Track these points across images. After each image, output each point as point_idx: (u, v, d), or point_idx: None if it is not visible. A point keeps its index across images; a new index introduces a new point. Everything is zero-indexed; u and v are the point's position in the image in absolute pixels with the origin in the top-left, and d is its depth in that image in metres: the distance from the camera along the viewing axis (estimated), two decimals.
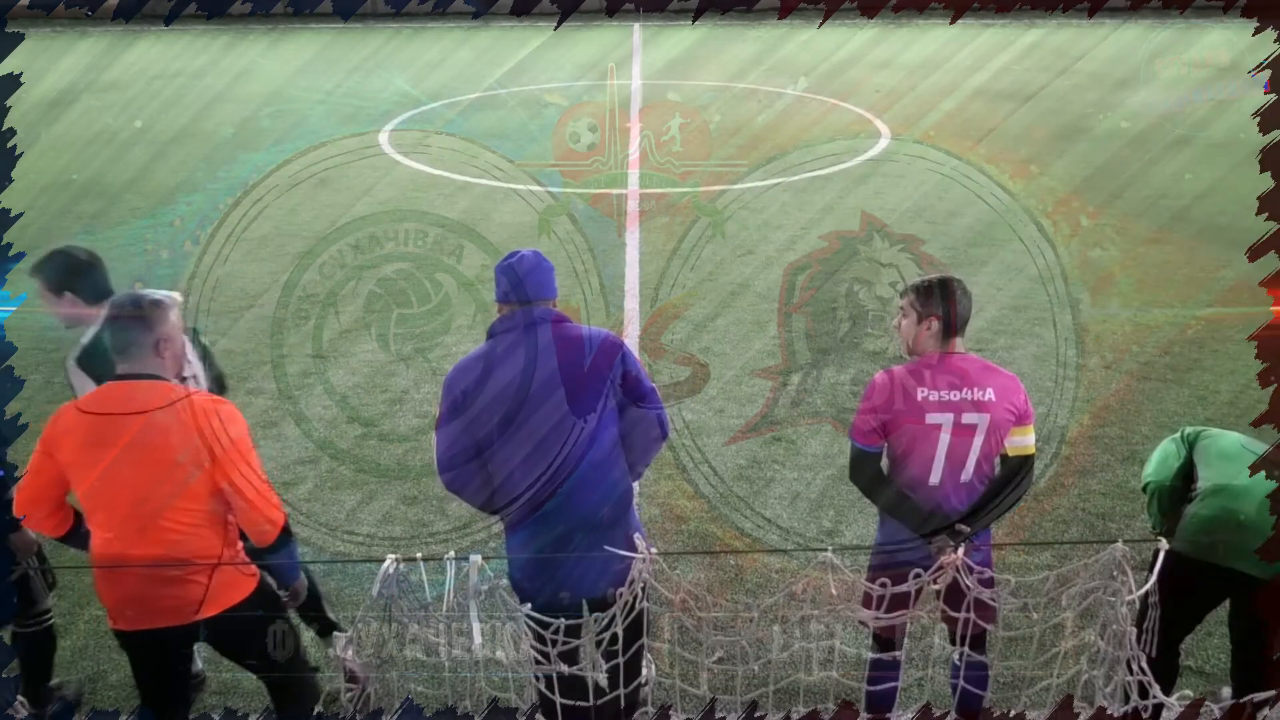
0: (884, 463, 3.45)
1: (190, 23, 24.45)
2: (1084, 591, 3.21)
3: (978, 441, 3.29)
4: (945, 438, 3.27)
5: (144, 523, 3.09)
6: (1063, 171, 11.25)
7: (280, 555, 3.30)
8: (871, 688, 3.53)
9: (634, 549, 3.28)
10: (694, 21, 21.65)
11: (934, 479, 3.33)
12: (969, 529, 3.30)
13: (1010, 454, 3.38)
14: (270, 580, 3.40)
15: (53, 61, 19.35)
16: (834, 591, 3.08)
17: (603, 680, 3.13)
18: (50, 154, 12.51)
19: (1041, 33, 22.39)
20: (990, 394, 3.28)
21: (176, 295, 3.26)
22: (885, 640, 3.47)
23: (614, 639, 3.13)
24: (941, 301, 3.32)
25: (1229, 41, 20.01)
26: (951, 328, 3.33)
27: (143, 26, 24.15)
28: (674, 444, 5.94)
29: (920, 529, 3.33)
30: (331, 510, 5.34)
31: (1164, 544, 3.14)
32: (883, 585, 3.21)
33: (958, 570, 3.09)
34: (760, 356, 7.03)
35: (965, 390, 3.28)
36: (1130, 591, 3.05)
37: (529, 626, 3.10)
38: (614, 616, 3.10)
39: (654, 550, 3.06)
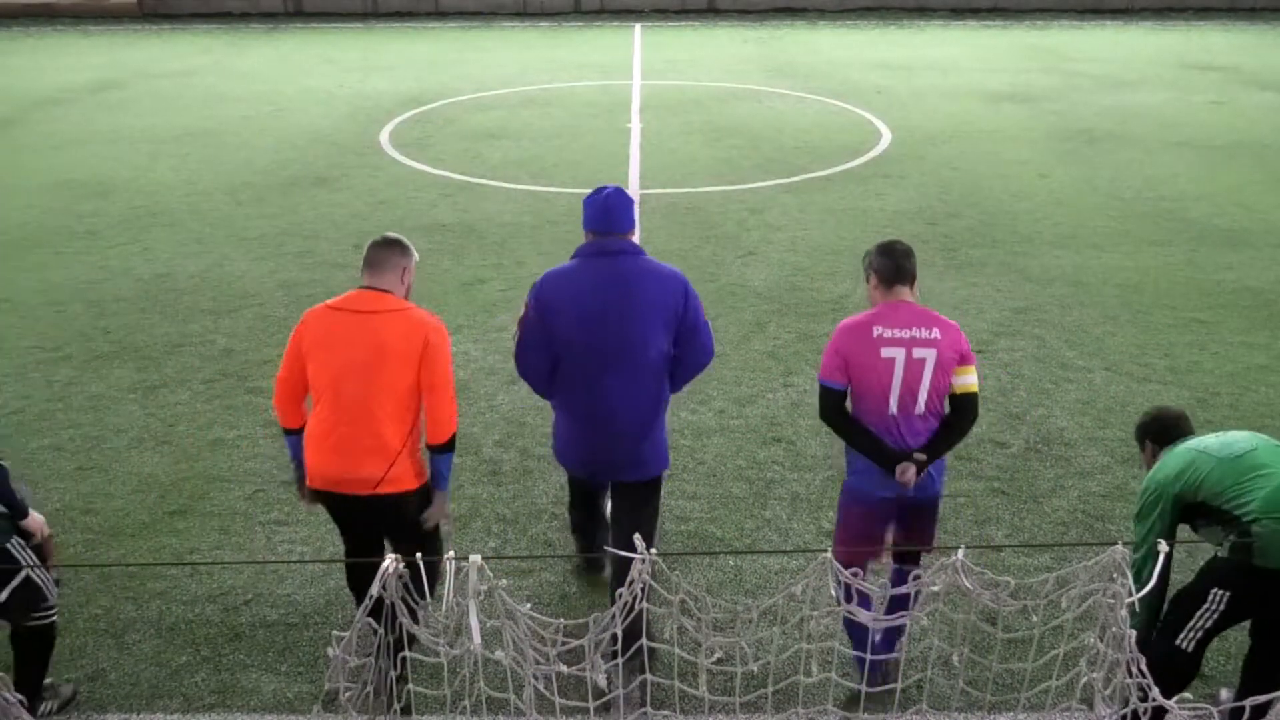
0: (849, 405, 3.91)
1: (190, 20, 24.45)
2: (1083, 594, 3.21)
3: (927, 374, 3.75)
4: (899, 370, 3.74)
5: (356, 404, 3.73)
6: (1063, 173, 11.25)
7: (443, 457, 3.91)
8: (849, 622, 3.80)
9: (662, 453, 4.16)
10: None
11: (891, 408, 3.78)
12: (925, 457, 3.75)
13: (957, 392, 3.86)
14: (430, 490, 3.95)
15: (52, 60, 19.35)
16: (834, 593, 3.09)
17: (602, 681, 3.14)
18: (49, 153, 12.51)
19: (1042, 33, 22.39)
20: (936, 333, 3.78)
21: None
22: (851, 562, 3.69)
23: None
24: (888, 259, 3.90)
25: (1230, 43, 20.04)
26: (895, 280, 3.88)
27: (143, 25, 24.14)
28: (673, 444, 5.95)
29: (881, 459, 3.77)
30: None
31: (1163, 546, 3.15)
32: (882, 587, 3.21)
33: (957, 572, 3.10)
34: (760, 357, 7.03)
35: (915, 329, 3.78)
36: (1130, 594, 3.05)
37: (529, 626, 3.10)
38: (614, 616, 3.10)
39: (653, 551, 3.06)
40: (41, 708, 3.89)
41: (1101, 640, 3.19)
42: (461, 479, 5.61)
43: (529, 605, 3.11)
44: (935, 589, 3.14)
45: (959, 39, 21.78)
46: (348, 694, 3.14)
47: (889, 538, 4.02)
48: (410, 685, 3.35)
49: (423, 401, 3.81)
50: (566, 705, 3.43)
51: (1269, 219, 9.77)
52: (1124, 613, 3.07)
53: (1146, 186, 10.76)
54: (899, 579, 3.84)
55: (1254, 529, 3.46)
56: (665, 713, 3.64)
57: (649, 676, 3.50)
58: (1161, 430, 3.93)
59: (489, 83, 16.77)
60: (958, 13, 25.58)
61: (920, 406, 3.80)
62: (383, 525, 4.00)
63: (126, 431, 6.09)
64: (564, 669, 3.14)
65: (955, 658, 3.38)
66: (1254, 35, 22.22)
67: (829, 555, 3.08)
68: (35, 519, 3.87)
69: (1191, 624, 3.57)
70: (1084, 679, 3.31)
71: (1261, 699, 2.82)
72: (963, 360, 3.84)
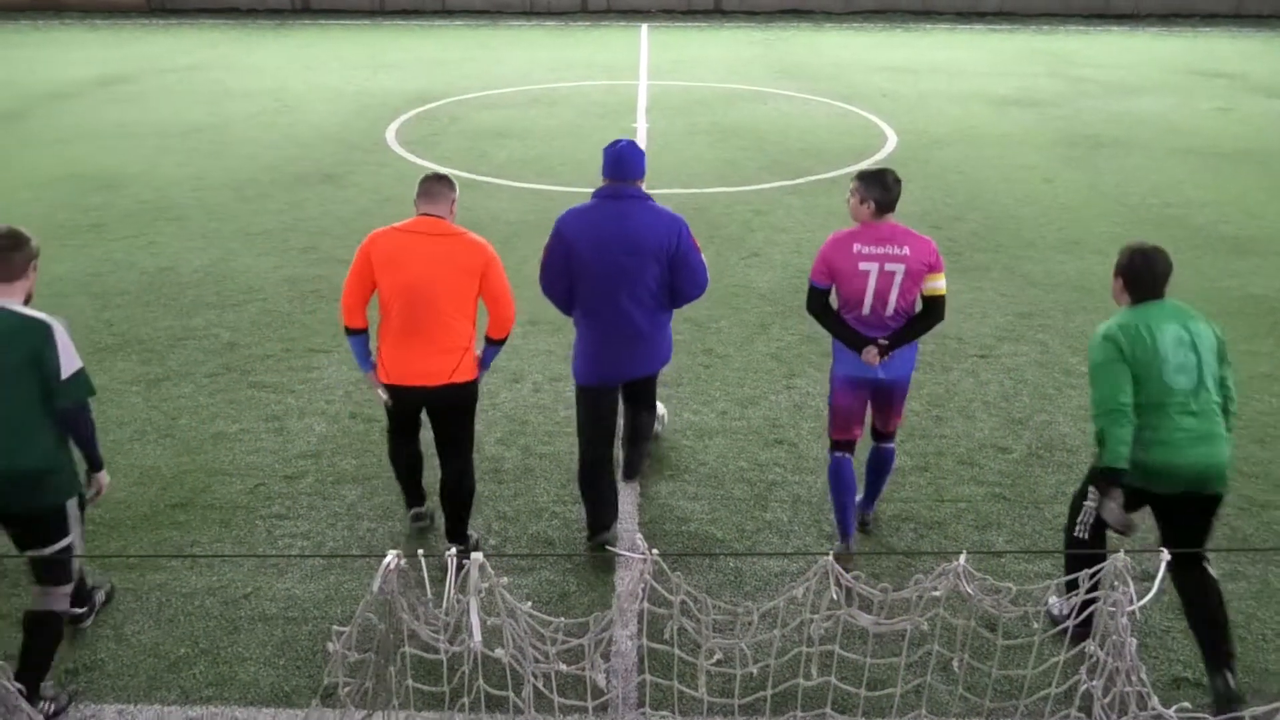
0: (834, 301, 4.70)
1: (198, 16, 24.48)
2: (1085, 601, 3.21)
3: (896, 283, 4.50)
4: (872, 281, 4.51)
5: (428, 311, 4.45)
6: (1068, 178, 11.24)
7: (498, 347, 4.77)
8: (831, 479, 4.84)
9: (668, 348, 4.99)
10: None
11: (865, 310, 4.58)
12: (886, 342, 4.53)
13: (926, 294, 4.58)
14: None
15: (60, 54, 19.38)
16: (835, 596, 3.08)
17: (601, 680, 3.14)
18: (56, 146, 12.52)
19: (1048, 38, 22.37)
20: (906, 250, 4.49)
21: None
22: (841, 442, 4.81)
23: None
24: (878, 188, 4.52)
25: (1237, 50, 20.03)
26: (887, 209, 4.54)
27: (150, 20, 24.17)
28: (674, 445, 5.94)
29: (852, 344, 4.59)
30: (333, 504, 5.34)
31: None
32: (883, 591, 3.22)
33: (958, 578, 3.10)
34: (763, 358, 7.03)
35: (888, 247, 4.48)
36: (1131, 602, 3.05)
37: (529, 624, 3.10)
38: (610, 621, 3.10)
39: (654, 552, 3.06)
40: (40, 706, 3.81)
41: (1101, 648, 3.19)
42: None
43: (529, 603, 3.11)
44: (936, 594, 3.14)
45: (965, 42, 21.78)
46: (346, 689, 3.15)
47: (868, 414, 4.87)
48: (409, 681, 3.35)
49: (487, 307, 4.63)
50: (565, 704, 3.43)
51: (1275, 226, 9.76)
52: (1125, 620, 3.07)
53: (1152, 193, 10.74)
54: (877, 456, 4.98)
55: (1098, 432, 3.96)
56: (664, 713, 3.65)
57: (648, 677, 3.50)
58: (1136, 282, 4.12)
59: (495, 81, 16.79)
60: (964, 16, 25.57)
61: (890, 309, 4.56)
62: (446, 408, 4.68)
63: (129, 424, 6.09)
64: (563, 668, 3.14)
65: (955, 663, 3.38)
66: (1261, 42, 22.19)
67: (830, 559, 3.09)
68: (104, 476, 4.07)
69: (1080, 517, 4.08)
70: (1083, 686, 3.31)
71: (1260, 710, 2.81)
72: (932, 269, 4.55)
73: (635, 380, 5.07)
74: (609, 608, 3.34)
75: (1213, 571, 3.99)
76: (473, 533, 4.99)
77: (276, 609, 4.55)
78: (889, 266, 4.48)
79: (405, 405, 4.71)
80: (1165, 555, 3.13)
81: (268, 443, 5.92)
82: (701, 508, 5.36)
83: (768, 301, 7.97)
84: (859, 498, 5.03)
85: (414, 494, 5.08)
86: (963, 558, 3.08)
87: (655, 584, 3.08)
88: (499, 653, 3.05)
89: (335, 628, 3.09)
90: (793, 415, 6.27)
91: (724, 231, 9.54)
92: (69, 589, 3.94)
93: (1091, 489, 4.03)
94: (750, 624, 3.17)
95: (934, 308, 4.61)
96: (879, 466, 5.02)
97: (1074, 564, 3.97)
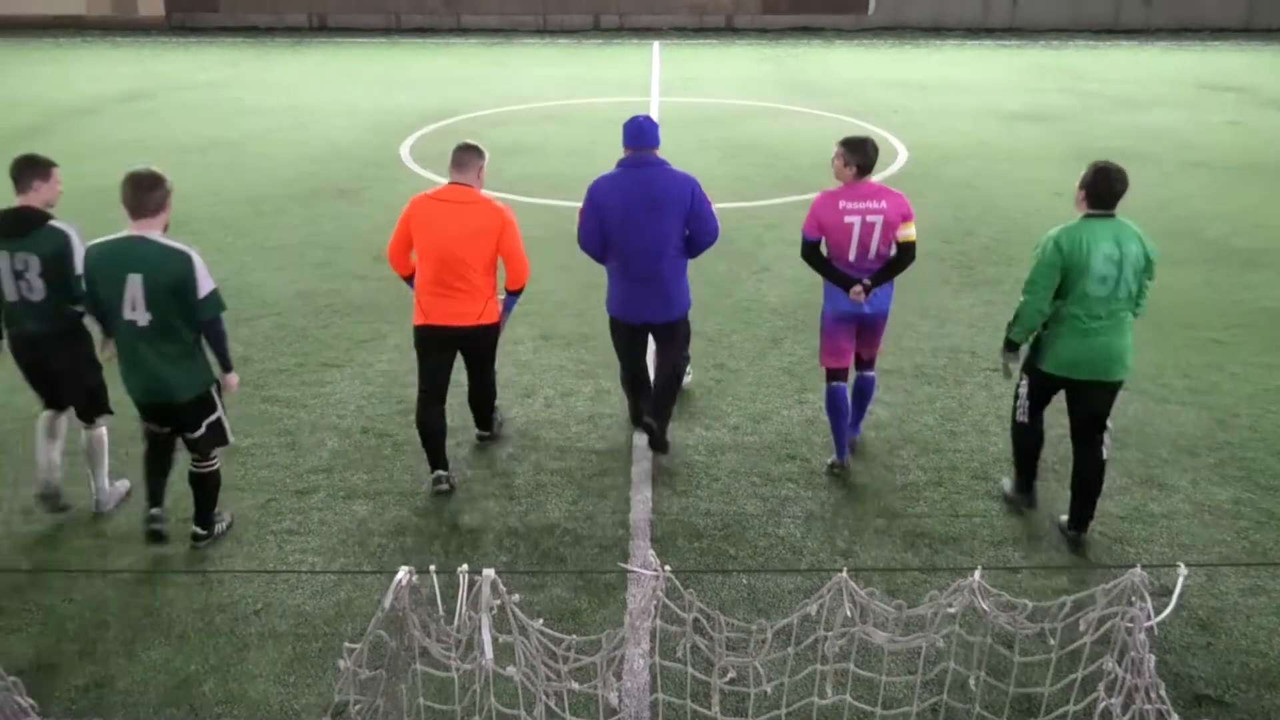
0: (824, 250, 5.51)
1: (217, 34, 24.71)
2: (1101, 617, 3.17)
3: (876, 233, 5.32)
4: (856, 231, 5.32)
5: (454, 264, 5.26)
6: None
7: (515, 299, 5.63)
8: (829, 406, 5.70)
9: (685, 298, 5.77)
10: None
11: (851, 257, 5.40)
12: (869, 282, 5.38)
13: (900, 240, 5.37)
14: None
15: (81, 70, 19.59)
16: (849, 613, 3.06)
17: (614, 699, 3.11)
18: (76, 161, 12.62)
19: (1058, 53, 22.36)
20: (884, 204, 5.32)
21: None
22: (834, 371, 5.65)
23: None
24: (860, 154, 5.35)
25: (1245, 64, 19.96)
26: (863, 170, 5.36)
27: (171, 38, 24.41)
28: (687, 460, 5.92)
29: (841, 284, 5.42)
30: (344, 520, 5.34)
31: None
32: (898, 608, 3.19)
33: (974, 594, 3.06)
34: (775, 373, 7.01)
35: (868, 202, 5.32)
36: (1149, 618, 3.01)
37: (541, 642, 3.08)
38: (622, 639, 3.08)
39: (667, 568, 3.04)
40: (217, 528, 5.10)
41: (1120, 665, 3.15)
42: (473, 491, 5.60)
43: (541, 621, 3.09)
44: (952, 611, 3.11)
45: (975, 58, 21.79)
46: (357, 706, 3.13)
47: (854, 345, 5.67)
48: (421, 699, 3.33)
49: (504, 263, 5.43)
50: None
51: None
52: (1143, 637, 3.03)
53: (1163, 206, 10.70)
54: (861, 383, 5.83)
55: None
56: None
57: (661, 696, 3.48)
58: (1094, 195, 4.91)
59: (509, 98, 16.87)
60: (973, 32, 25.60)
61: (872, 254, 5.38)
62: (471, 346, 5.55)
63: (137, 439, 6.09)
64: (576, 686, 3.12)
65: (971, 681, 3.35)
66: (1270, 56, 22.13)
67: (844, 575, 3.06)
68: (233, 376, 4.99)
69: (1018, 402, 5.22)
70: (1102, 704, 3.26)
71: None
72: (904, 219, 5.35)
73: (658, 326, 5.80)
74: (621, 625, 3.32)
75: (1105, 453, 5.01)
76: (497, 417, 6.07)
77: (287, 625, 4.54)
78: (869, 219, 5.31)
79: (438, 343, 5.48)
80: (1183, 570, 3.10)
81: (280, 458, 5.93)
82: (714, 523, 5.33)
83: (779, 316, 7.96)
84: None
85: (438, 458, 5.60)
86: (978, 573, 3.05)
87: (668, 601, 3.06)
88: (510, 671, 3.03)
89: (346, 645, 3.08)
90: (805, 430, 6.24)
91: (736, 247, 9.54)
92: (220, 458, 5.02)
93: (1021, 376, 5.17)
94: (764, 641, 3.14)
95: (906, 251, 5.40)
96: (863, 392, 5.88)
97: (1016, 444, 5.35)
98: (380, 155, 13.00)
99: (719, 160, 12.74)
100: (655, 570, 3.05)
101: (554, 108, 16.14)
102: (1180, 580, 3.06)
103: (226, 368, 4.88)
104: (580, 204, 5.70)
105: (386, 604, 2.96)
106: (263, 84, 18.27)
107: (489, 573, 2.95)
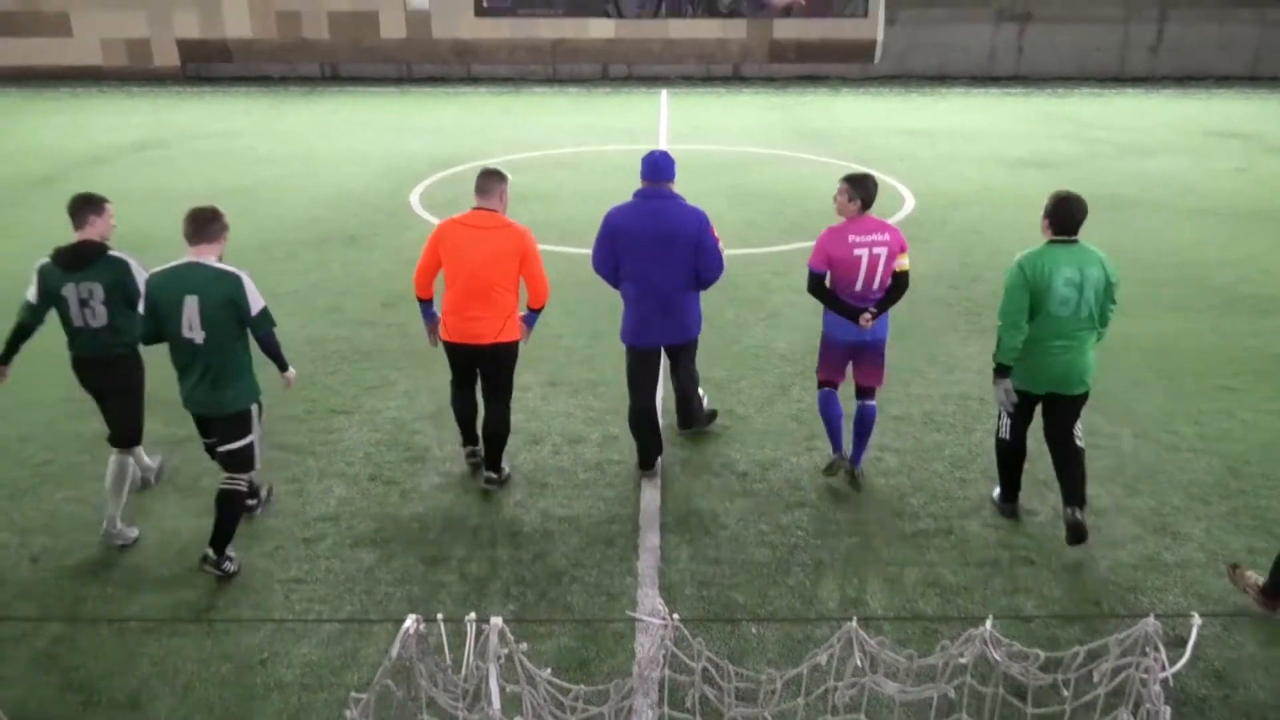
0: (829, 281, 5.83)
1: (231, 84, 25.11)
2: (1115, 667, 3.13)
3: (881, 263, 5.69)
4: (864, 263, 5.68)
5: (480, 285, 5.70)
6: (1086, 238, 11.22)
7: (536, 315, 6.00)
8: (822, 408, 6.16)
9: (697, 321, 6.12)
10: None
11: (858, 287, 5.75)
12: (875, 310, 5.75)
13: (897, 271, 5.76)
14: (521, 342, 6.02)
15: (97, 120, 19.90)
16: (859, 663, 3.02)
17: None
18: None
19: (1063, 101, 22.57)
20: (886, 236, 5.71)
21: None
22: (827, 381, 6.09)
23: None
24: (863, 189, 5.71)
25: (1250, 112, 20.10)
26: (866, 205, 5.72)
27: (185, 88, 24.81)
28: (693, 508, 5.90)
29: (848, 315, 5.77)
30: (350, 568, 5.32)
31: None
32: (909, 657, 3.16)
33: (985, 644, 3.03)
34: (783, 420, 6.99)
35: (873, 235, 5.69)
36: (1164, 669, 2.97)
37: (549, 692, 3.05)
38: (631, 689, 3.05)
39: (675, 617, 3.02)
40: (225, 565, 5.21)
41: (1134, 717, 3.10)
42: (480, 538, 5.58)
43: (548, 670, 3.06)
44: (964, 661, 3.07)
45: (980, 106, 22.01)
46: None
47: (849, 370, 6.05)
48: None
49: (526, 283, 5.84)
50: None
51: None
52: (1158, 689, 2.99)
53: (1170, 253, 10.72)
54: (863, 411, 6.04)
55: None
56: None
57: None
58: (1056, 223, 5.36)
59: (519, 146, 17.07)
60: (978, 80, 25.88)
61: (876, 284, 5.74)
62: (492, 362, 5.93)
63: (151, 485, 6.11)
64: None
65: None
66: (1276, 103, 22.30)
67: (854, 624, 3.03)
68: (290, 372, 5.42)
69: (1000, 421, 5.64)
70: None
71: None
72: (903, 250, 5.75)
73: (671, 347, 6.16)
74: (629, 675, 3.29)
75: (1079, 444, 5.45)
76: (505, 466, 6.19)
77: (293, 675, 4.51)
78: (876, 250, 5.67)
79: (462, 358, 5.98)
80: (1197, 620, 3.06)
81: (287, 505, 5.92)
82: (722, 572, 5.29)
83: (788, 362, 7.96)
84: (850, 453, 6.17)
85: (469, 435, 6.29)
86: (989, 623, 3.02)
87: (676, 650, 3.03)
88: None
89: (353, 694, 3.05)
90: (813, 478, 6.22)
91: (743, 293, 9.58)
92: (248, 477, 5.29)
93: (1002, 389, 5.46)
94: (774, 692, 3.11)
95: (902, 281, 5.80)
96: (865, 420, 6.06)
97: (1000, 459, 5.76)
98: (390, 202, 13.14)
99: (727, 207, 12.84)
100: (664, 619, 3.03)
101: (564, 155, 16.32)
102: (1195, 630, 3.03)
103: (283, 368, 5.38)
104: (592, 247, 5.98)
105: (393, 653, 2.94)
106: (275, 132, 18.53)
107: (496, 621, 2.93)
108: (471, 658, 2.91)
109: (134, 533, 5.55)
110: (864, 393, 6.03)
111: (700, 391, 6.68)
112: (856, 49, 26.20)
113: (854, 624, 3.02)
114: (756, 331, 8.63)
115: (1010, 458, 5.68)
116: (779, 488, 6.11)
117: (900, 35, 26.09)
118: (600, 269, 6.02)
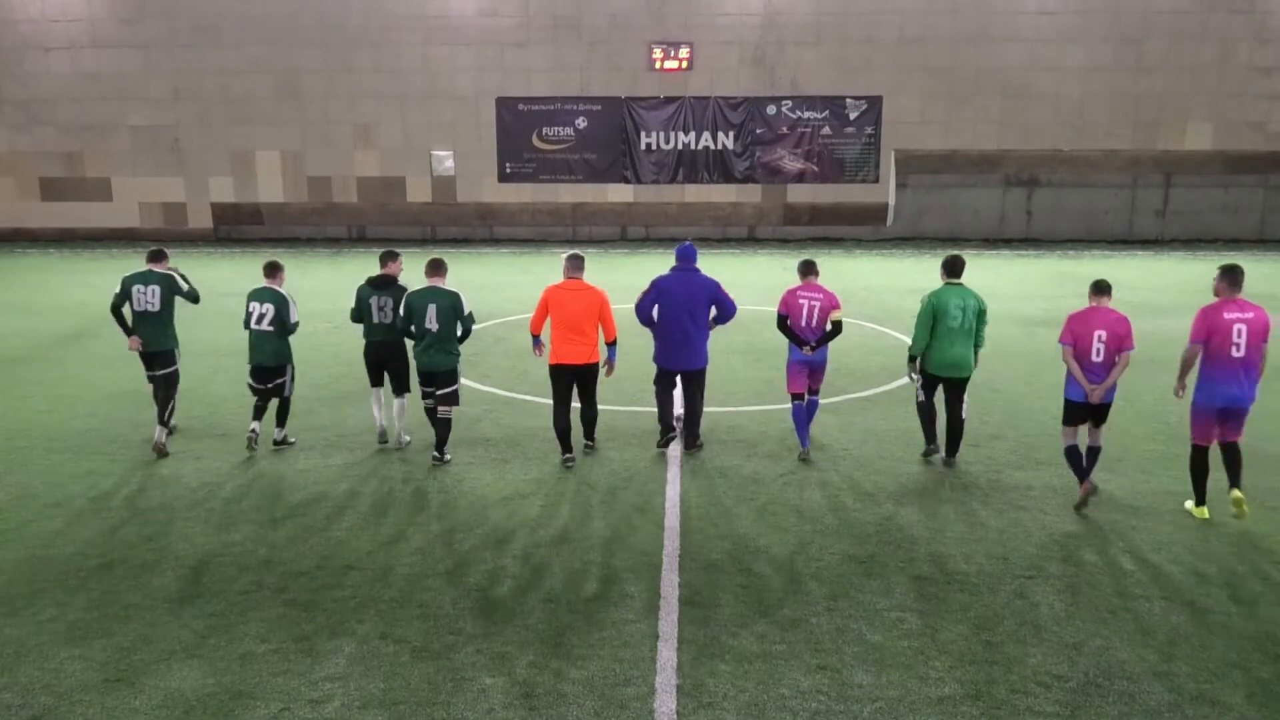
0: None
1: (260, 244, 26.02)
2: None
3: (816, 312, 9.26)
4: (806, 310, 9.27)
5: (577, 326, 9.02)
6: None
7: (613, 347, 9.28)
8: (795, 412, 9.46)
9: (704, 356, 9.56)
10: None
11: (804, 324, 9.26)
12: (815, 342, 9.20)
13: (832, 319, 9.27)
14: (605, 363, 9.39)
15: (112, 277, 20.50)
16: None
17: None
18: (117, 364, 13.05)
19: (1075, 262, 23.00)
20: (822, 295, 9.31)
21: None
22: (796, 394, 9.41)
23: None
24: (805, 266, 9.55)
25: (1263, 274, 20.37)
26: (806, 274, 9.49)
27: (216, 248, 25.72)
28: (713, 672, 5.70)
29: (797, 342, 9.24)
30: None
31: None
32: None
33: None
34: (804, 579, 6.84)
35: (812, 294, 9.34)
36: None
37: None
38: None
39: None
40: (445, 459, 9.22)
41: None
42: (493, 701, 5.40)
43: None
44: None
45: (992, 266, 22.45)
46: None
47: (808, 380, 9.47)
48: None
49: (602, 326, 9.11)
50: None
51: None
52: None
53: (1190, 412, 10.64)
54: (810, 404, 9.52)
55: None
56: None
57: None
58: (948, 270, 9.17)
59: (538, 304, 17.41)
60: (990, 242, 26.51)
61: (814, 324, 9.24)
62: (585, 377, 9.17)
63: (157, 643, 6.00)
64: None
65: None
66: None
67: None
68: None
69: (917, 389, 9.26)
70: None
71: None
72: (834, 308, 9.30)
73: (686, 372, 9.50)
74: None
75: (964, 413, 9.11)
76: (597, 436, 9.67)
77: None
78: (812, 303, 9.29)
79: (565, 374, 9.09)
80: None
81: (295, 664, 5.78)
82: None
83: (806, 520, 7.86)
84: (806, 433, 9.48)
85: (566, 445, 9.19)
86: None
87: None
88: None
89: None
90: (835, 639, 6.04)
91: (761, 449, 9.57)
92: (454, 407, 9.24)
93: (917, 376, 9.20)
94: None
95: (837, 326, 9.32)
96: (812, 406, 9.57)
97: (920, 415, 9.37)
98: None
99: (743, 364, 12.96)
100: None
101: None
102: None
103: (464, 340, 9.34)
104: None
105: None
106: (301, 290, 18.92)
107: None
108: None
109: (408, 438, 9.76)
110: (812, 392, 9.52)
111: (699, 428, 9.69)
112: (869, 212, 27.02)
113: None
114: (774, 488, 8.57)
115: (926, 413, 9.26)
116: (799, 650, 5.92)
117: (912, 199, 26.93)
118: (642, 314, 9.39)
